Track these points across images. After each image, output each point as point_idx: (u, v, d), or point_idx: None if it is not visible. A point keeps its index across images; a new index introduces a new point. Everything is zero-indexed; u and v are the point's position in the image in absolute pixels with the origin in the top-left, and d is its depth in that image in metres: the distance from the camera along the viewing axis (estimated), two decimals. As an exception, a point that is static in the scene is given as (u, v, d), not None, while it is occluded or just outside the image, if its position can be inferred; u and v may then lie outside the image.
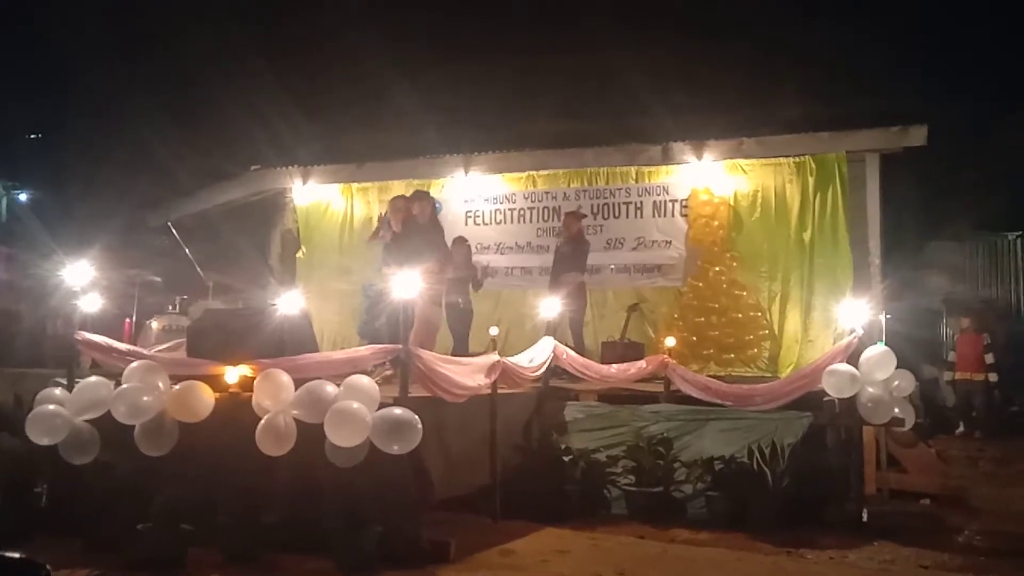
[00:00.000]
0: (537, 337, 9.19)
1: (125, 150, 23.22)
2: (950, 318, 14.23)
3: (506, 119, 14.51)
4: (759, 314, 11.49)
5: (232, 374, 6.84)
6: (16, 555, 2.74)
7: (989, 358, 13.12)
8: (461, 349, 10.21)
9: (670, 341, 9.92)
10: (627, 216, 12.34)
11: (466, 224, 13.03)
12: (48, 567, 2.68)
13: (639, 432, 8.65)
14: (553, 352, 8.89)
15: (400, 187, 13.39)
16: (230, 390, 6.83)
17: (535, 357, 8.70)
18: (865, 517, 8.03)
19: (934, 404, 13.26)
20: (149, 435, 6.71)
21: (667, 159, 12.01)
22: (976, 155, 17.86)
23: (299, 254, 13.95)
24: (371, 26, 19.23)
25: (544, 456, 8.64)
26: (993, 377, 13.10)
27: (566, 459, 8.56)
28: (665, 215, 12.16)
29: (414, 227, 9.94)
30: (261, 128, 16.16)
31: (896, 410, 8.08)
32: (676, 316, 11.69)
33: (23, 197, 28.96)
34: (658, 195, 12.23)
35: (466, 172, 12.92)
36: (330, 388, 6.54)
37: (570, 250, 11.01)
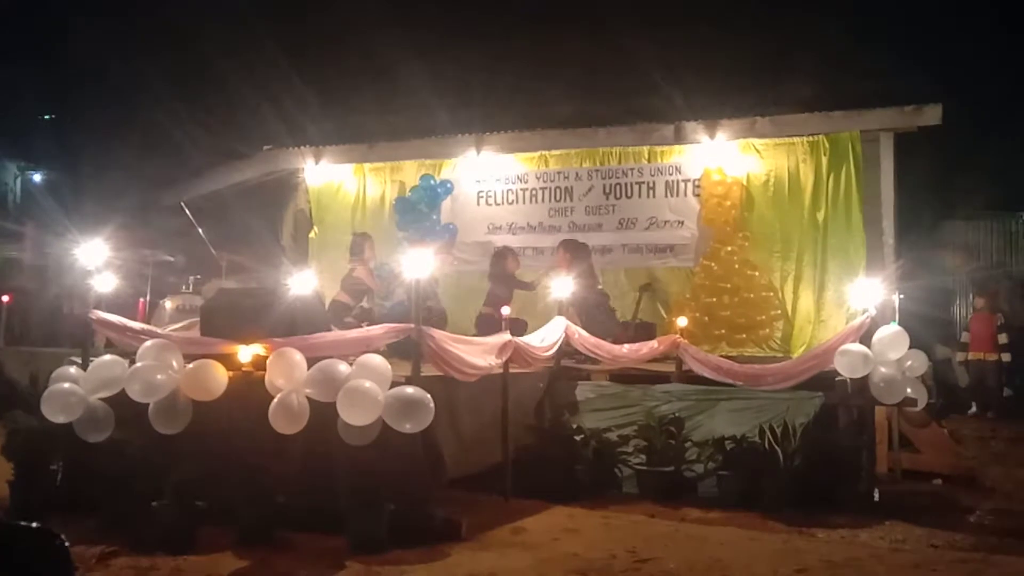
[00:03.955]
0: (549, 317, 9.19)
1: (138, 130, 23.30)
2: (976, 297, 14.16)
3: (518, 99, 14.48)
4: (771, 294, 11.45)
5: (245, 353, 6.87)
6: (33, 524, 2.77)
7: (1002, 338, 13.10)
8: None
9: (682, 321, 9.91)
10: (639, 196, 12.30)
11: (478, 204, 13.03)
12: (63, 536, 2.71)
13: (650, 412, 8.66)
14: (565, 332, 8.89)
15: (412, 167, 13.43)
16: (243, 369, 6.87)
17: (546, 337, 8.70)
18: (877, 497, 8.03)
19: (947, 384, 13.26)
20: (163, 413, 6.75)
21: (679, 139, 11.95)
22: (991, 135, 17.76)
23: (311, 234, 13.98)
24: (383, 6, 19.20)
25: (555, 435, 8.66)
26: (1006, 357, 13.09)
27: (577, 438, 8.58)
28: (677, 195, 12.12)
29: None
30: (273, 108, 16.19)
31: (909, 390, 8.05)
32: (688, 296, 11.67)
33: (37, 177, 29.11)
34: (670, 175, 12.18)
35: (478, 152, 12.89)
36: (343, 367, 6.57)
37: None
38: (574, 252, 10.94)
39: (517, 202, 12.84)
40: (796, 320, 11.40)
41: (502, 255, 11.27)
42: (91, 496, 6.91)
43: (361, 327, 11.15)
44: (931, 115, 10.89)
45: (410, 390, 6.45)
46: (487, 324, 10.51)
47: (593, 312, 10.45)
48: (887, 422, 9.12)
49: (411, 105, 14.59)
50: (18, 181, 28.89)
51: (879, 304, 8.45)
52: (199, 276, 14.90)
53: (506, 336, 8.04)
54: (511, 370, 8.12)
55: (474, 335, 9.12)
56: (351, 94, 17.61)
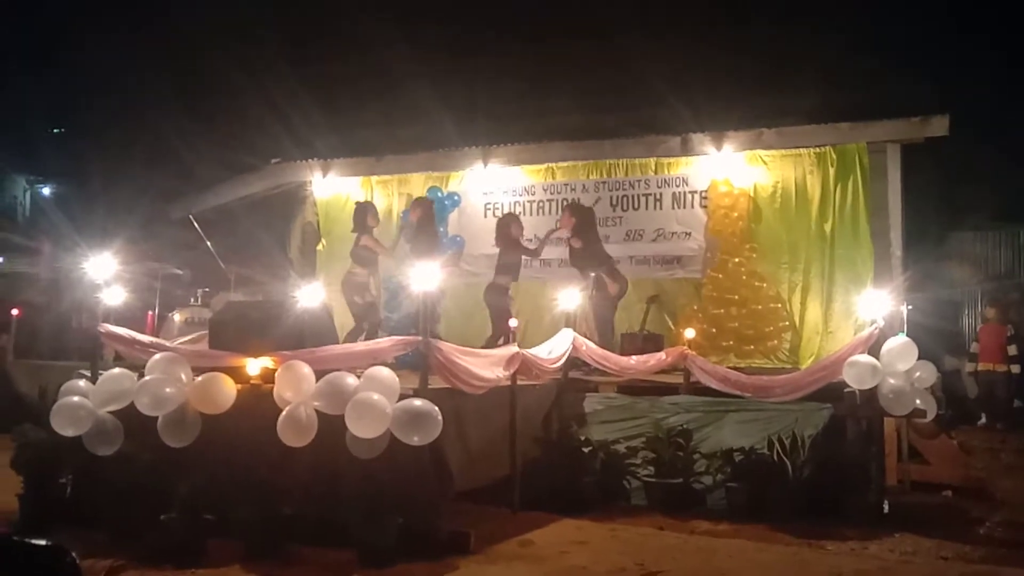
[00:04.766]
0: (556, 329, 9.19)
1: (147, 143, 23.39)
2: (987, 307, 14.13)
3: (525, 111, 14.52)
4: (779, 305, 11.44)
5: (254, 366, 6.89)
6: (43, 542, 2.78)
7: (1012, 349, 13.04)
8: None
9: (689, 333, 9.90)
10: (646, 208, 12.31)
11: (485, 216, 13.04)
12: (73, 554, 2.72)
13: (659, 423, 8.65)
14: (572, 344, 8.89)
15: (419, 180, 13.46)
16: (252, 382, 6.88)
17: (554, 349, 8.70)
18: (886, 508, 8.01)
19: (956, 395, 13.20)
20: (172, 426, 6.77)
21: (686, 150, 11.97)
22: (999, 146, 17.70)
23: (319, 247, 14.00)
24: (389, 19, 19.27)
25: (563, 447, 8.65)
26: (1015, 369, 13.03)
27: (585, 450, 8.57)
28: (684, 206, 12.12)
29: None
30: (281, 122, 16.25)
31: (917, 401, 8.03)
32: (696, 308, 11.67)
33: (46, 191, 29.22)
34: (677, 186, 12.19)
35: (485, 164, 12.92)
36: (351, 379, 6.58)
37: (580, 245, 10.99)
38: (580, 215, 11.12)
39: (524, 214, 12.84)
40: (804, 331, 11.38)
41: (506, 222, 11.39)
42: (100, 509, 6.93)
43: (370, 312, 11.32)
44: (938, 126, 10.88)
45: (418, 402, 6.45)
46: (496, 294, 10.82)
47: (606, 273, 10.65)
48: (896, 433, 9.10)
49: (418, 118, 14.63)
50: (27, 195, 29.01)
51: (887, 315, 8.44)
52: (207, 289, 14.92)
53: (514, 348, 8.05)
54: (519, 382, 8.11)
55: (480, 347, 9.12)
56: (358, 107, 17.66)
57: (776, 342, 11.39)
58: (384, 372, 6.67)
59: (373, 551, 6.26)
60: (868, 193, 11.18)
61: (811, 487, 7.84)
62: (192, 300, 14.77)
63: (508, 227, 11.22)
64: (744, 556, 6.79)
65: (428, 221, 11.45)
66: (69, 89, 29.63)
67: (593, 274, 10.63)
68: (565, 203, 12.39)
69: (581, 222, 11.03)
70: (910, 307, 10.08)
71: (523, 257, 11.30)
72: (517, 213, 12.49)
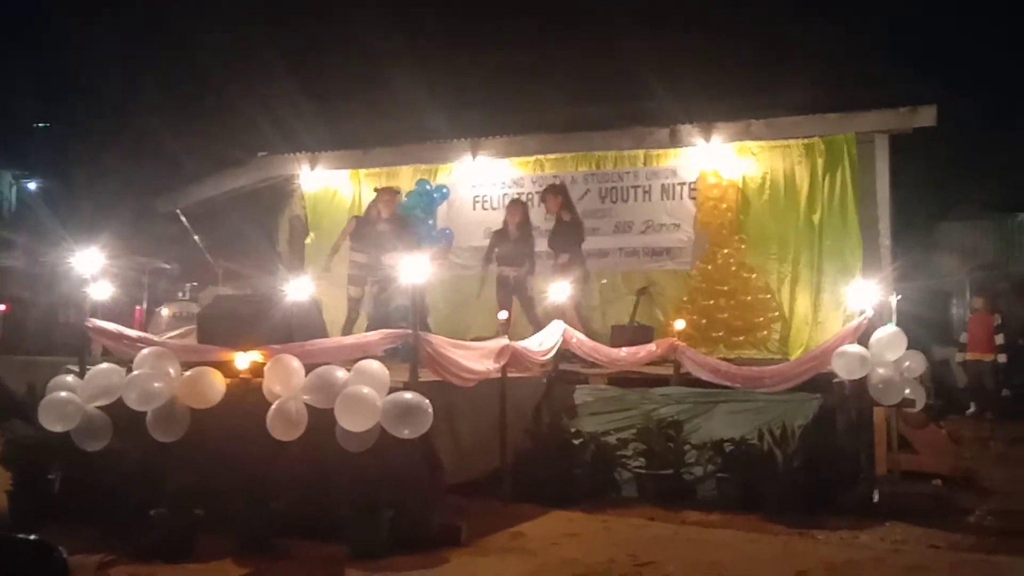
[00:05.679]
0: (546, 321, 9.18)
1: (133, 137, 23.29)
2: (975, 297, 14.18)
3: (514, 103, 14.52)
4: (768, 296, 11.46)
5: (242, 360, 6.86)
6: (31, 537, 2.76)
7: (999, 339, 13.11)
8: None
9: (679, 324, 9.91)
10: (635, 200, 12.30)
11: (474, 209, 13.01)
12: (61, 549, 2.70)
13: (649, 415, 8.65)
14: (562, 336, 8.89)
15: (408, 172, 13.41)
16: (241, 376, 6.86)
17: (544, 341, 8.70)
18: (876, 498, 8.02)
19: (945, 385, 13.26)
20: (160, 421, 6.73)
21: (675, 142, 11.96)
22: (987, 135, 17.77)
23: (307, 240, 13.95)
24: (378, 10, 19.21)
25: (554, 440, 8.64)
26: (1003, 358, 13.10)
27: (576, 442, 8.56)
28: (673, 198, 12.12)
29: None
30: (268, 114, 16.20)
31: (907, 391, 8.05)
32: (685, 299, 11.67)
33: (32, 186, 29.05)
34: (666, 178, 12.19)
35: (474, 157, 12.88)
36: (340, 373, 6.56)
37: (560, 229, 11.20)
38: (563, 193, 11.52)
39: (514, 206, 12.82)
40: (793, 322, 11.40)
41: (507, 209, 11.74)
42: (89, 505, 6.89)
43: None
44: (926, 116, 10.89)
45: (408, 395, 6.44)
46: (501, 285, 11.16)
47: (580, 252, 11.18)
48: (886, 423, 9.10)
49: (406, 110, 14.61)
50: (13, 189, 28.84)
51: (876, 305, 8.45)
52: (195, 283, 14.85)
53: (504, 340, 8.03)
54: (509, 375, 8.10)
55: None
56: (346, 100, 17.64)
57: (766, 333, 11.40)
58: (374, 365, 6.65)
59: (364, 545, 6.25)
60: (856, 184, 11.19)
61: (801, 477, 7.83)
62: (180, 294, 14.69)
63: (506, 215, 11.35)
64: (735, 546, 6.80)
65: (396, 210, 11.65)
66: (55, 83, 29.47)
67: (567, 255, 10.82)
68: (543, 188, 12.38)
69: (565, 198, 11.38)
70: (899, 297, 10.09)
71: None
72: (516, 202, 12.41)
